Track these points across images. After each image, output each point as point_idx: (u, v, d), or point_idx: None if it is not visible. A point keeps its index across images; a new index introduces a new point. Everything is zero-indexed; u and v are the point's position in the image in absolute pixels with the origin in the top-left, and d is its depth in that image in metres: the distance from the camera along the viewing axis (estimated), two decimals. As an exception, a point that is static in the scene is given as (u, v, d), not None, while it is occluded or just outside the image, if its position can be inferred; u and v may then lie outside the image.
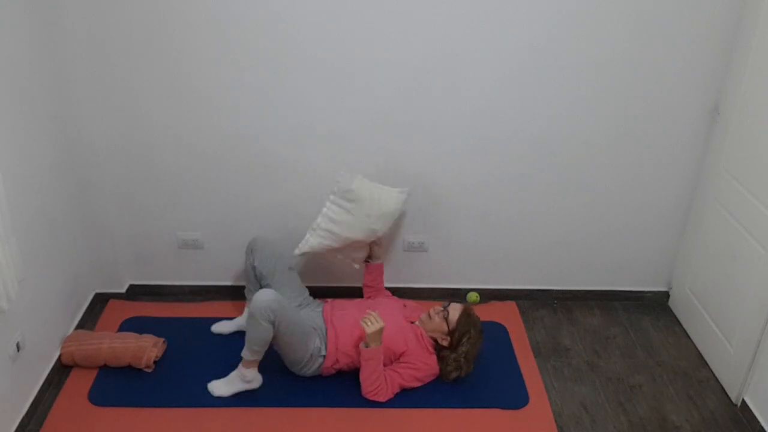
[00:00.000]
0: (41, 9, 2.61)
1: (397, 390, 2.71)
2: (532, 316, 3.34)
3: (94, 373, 2.80)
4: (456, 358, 2.75)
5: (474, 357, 2.79)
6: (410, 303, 3.08)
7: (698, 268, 3.14)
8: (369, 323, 2.60)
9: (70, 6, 2.64)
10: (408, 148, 3.01)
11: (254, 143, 2.98)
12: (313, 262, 3.24)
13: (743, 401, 2.76)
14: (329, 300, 2.99)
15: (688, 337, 3.22)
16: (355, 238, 2.86)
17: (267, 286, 2.89)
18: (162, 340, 2.90)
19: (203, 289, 3.36)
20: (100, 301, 3.28)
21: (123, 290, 3.33)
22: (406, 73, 2.84)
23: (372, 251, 3.07)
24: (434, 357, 2.78)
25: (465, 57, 2.82)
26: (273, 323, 2.53)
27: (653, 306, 3.45)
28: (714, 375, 2.97)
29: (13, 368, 2.48)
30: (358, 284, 3.26)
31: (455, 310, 2.78)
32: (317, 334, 2.72)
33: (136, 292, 3.36)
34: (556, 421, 2.67)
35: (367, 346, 2.64)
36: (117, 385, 2.74)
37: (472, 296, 3.38)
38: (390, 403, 2.68)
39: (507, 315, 3.30)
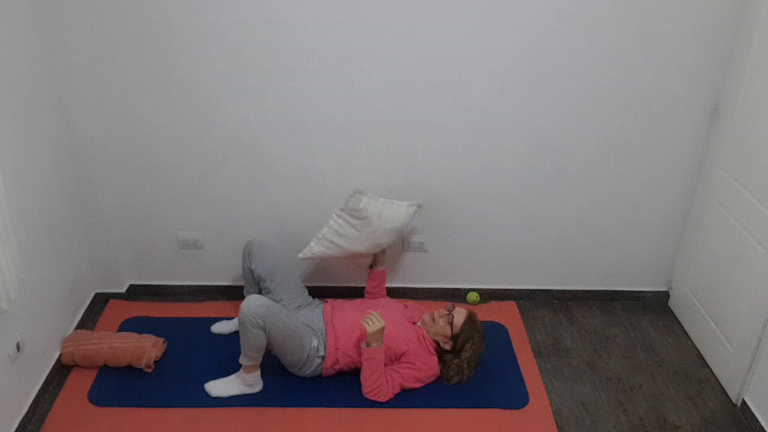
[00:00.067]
0: (41, 9, 2.61)
1: (397, 390, 2.71)
2: (532, 316, 3.34)
3: (94, 373, 2.80)
4: (459, 363, 2.76)
5: (476, 362, 2.80)
6: (411, 303, 3.09)
7: (698, 268, 3.14)
8: (370, 323, 2.60)
9: (70, 6, 2.64)
10: (408, 148, 3.01)
11: (254, 143, 2.98)
12: (313, 262, 3.24)
13: (743, 401, 2.76)
14: (330, 300, 2.99)
15: (688, 337, 3.22)
16: (359, 251, 2.90)
17: (265, 288, 2.89)
18: (162, 340, 2.90)
19: (203, 289, 3.36)
20: (100, 301, 3.28)
21: (123, 290, 3.33)
22: (407, 74, 2.84)
23: (375, 258, 3.09)
24: (435, 358, 2.78)
25: (465, 58, 2.82)
26: (264, 329, 2.52)
27: (653, 306, 3.45)
28: (714, 375, 2.97)
29: (13, 368, 2.48)
30: (359, 284, 3.26)
31: (460, 315, 2.78)
32: (314, 335, 2.72)
33: (136, 292, 3.36)
34: (556, 421, 2.67)
35: (368, 346, 2.64)
36: (117, 385, 2.74)
37: (472, 296, 3.38)
38: (390, 403, 2.68)
39: (507, 315, 3.30)
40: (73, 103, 2.83)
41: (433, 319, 2.80)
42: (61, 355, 2.83)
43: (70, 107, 2.83)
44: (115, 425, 2.56)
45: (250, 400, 2.69)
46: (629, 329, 3.27)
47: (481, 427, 2.62)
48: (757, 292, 2.65)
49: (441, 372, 2.79)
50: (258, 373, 2.70)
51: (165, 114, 2.90)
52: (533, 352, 3.06)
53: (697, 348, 3.14)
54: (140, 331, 2.97)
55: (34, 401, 2.62)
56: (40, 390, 2.67)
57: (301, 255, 2.89)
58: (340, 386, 2.76)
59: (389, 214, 2.86)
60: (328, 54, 2.79)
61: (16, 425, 2.50)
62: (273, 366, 2.77)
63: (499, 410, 2.70)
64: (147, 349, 2.79)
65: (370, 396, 2.67)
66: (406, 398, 2.71)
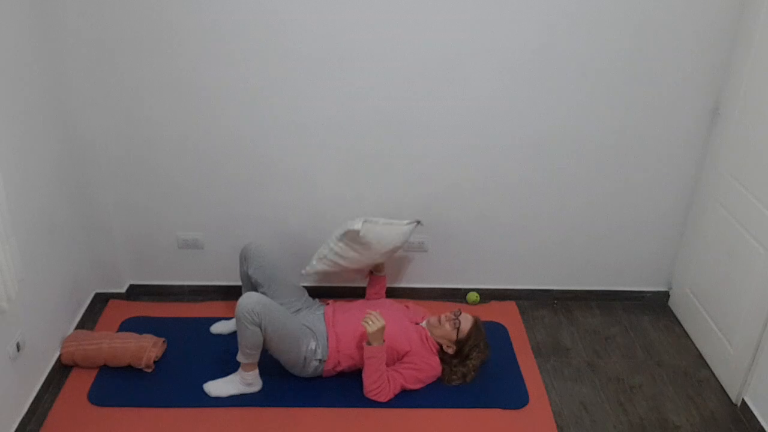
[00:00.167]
0: (41, 9, 2.61)
1: (397, 391, 2.71)
2: (532, 316, 3.34)
3: (94, 373, 2.80)
4: (464, 371, 2.77)
5: (479, 368, 2.81)
6: (412, 304, 3.08)
7: (698, 268, 3.14)
8: (370, 322, 2.60)
9: (71, 6, 2.64)
10: (408, 148, 3.01)
11: (254, 143, 2.98)
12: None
13: (743, 401, 2.76)
14: (330, 302, 2.99)
15: (688, 337, 3.22)
16: (360, 268, 2.99)
17: (264, 293, 2.88)
18: (162, 340, 2.90)
19: (203, 289, 3.36)
20: (100, 301, 3.28)
21: (123, 290, 3.33)
22: (407, 75, 2.84)
23: (376, 266, 3.10)
24: (437, 358, 2.78)
25: (465, 58, 2.82)
26: (259, 326, 2.53)
27: (653, 306, 3.45)
28: (714, 375, 2.97)
29: (13, 368, 2.48)
30: (360, 284, 3.26)
31: (467, 321, 2.78)
32: (312, 337, 2.71)
33: (136, 292, 3.36)
34: (556, 421, 2.67)
35: (369, 344, 2.64)
36: (117, 385, 2.74)
37: (472, 296, 3.38)
38: (390, 403, 2.68)
39: (507, 315, 3.30)
40: (73, 104, 2.83)
41: (439, 322, 2.79)
42: (61, 355, 2.83)
43: (70, 107, 2.83)
44: (115, 425, 2.56)
45: (250, 400, 2.69)
46: (629, 329, 3.27)
47: (481, 427, 2.62)
48: (757, 292, 2.65)
49: (442, 373, 2.79)
50: (256, 372, 2.70)
51: (165, 114, 2.90)
52: (533, 352, 3.06)
53: (697, 348, 3.14)
54: (140, 331, 2.97)
55: (34, 401, 2.62)
56: (40, 390, 2.67)
57: (303, 272, 2.96)
58: (340, 386, 2.76)
59: (389, 236, 2.89)
60: (328, 55, 2.79)
61: (16, 425, 2.49)
62: (272, 366, 2.77)
63: (499, 410, 2.70)
64: (147, 349, 2.79)
65: (371, 395, 2.67)
66: (406, 398, 2.71)
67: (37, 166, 2.65)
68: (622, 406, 2.78)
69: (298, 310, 2.90)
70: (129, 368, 2.81)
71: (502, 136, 3.01)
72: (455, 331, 2.76)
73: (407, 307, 3.01)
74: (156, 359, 2.83)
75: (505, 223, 3.24)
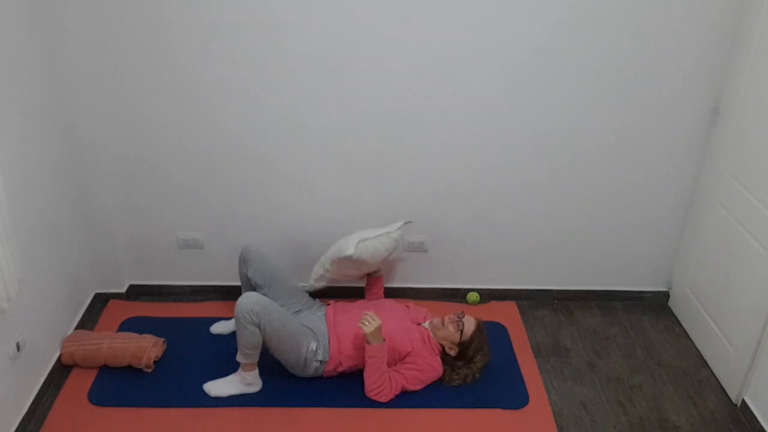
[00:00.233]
0: (41, 9, 2.61)
1: (398, 391, 2.70)
2: (532, 316, 3.34)
3: (94, 373, 2.80)
4: (467, 372, 2.77)
5: (481, 371, 2.82)
6: (413, 304, 3.08)
7: (698, 268, 3.14)
8: (366, 323, 2.60)
9: (71, 6, 2.64)
10: (408, 148, 3.01)
11: (254, 143, 2.98)
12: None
13: (743, 401, 2.76)
14: (332, 302, 2.99)
15: (688, 337, 3.22)
16: (358, 276, 3.05)
17: (264, 294, 2.87)
18: (162, 340, 2.90)
19: (203, 289, 3.36)
20: (100, 301, 3.28)
21: (123, 290, 3.33)
22: (407, 75, 2.84)
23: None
24: (438, 358, 2.78)
25: (465, 58, 2.82)
26: (258, 326, 2.53)
27: (653, 306, 3.45)
28: (714, 375, 2.97)
29: (13, 368, 2.48)
30: (359, 284, 3.26)
31: (470, 323, 2.79)
32: (313, 337, 2.71)
33: (136, 292, 3.36)
34: (556, 421, 2.67)
35: (368, 343, 2.64)
36: (117, 385, 2.74)
37: (472, 296, 3.38)
38: (390, 403, 2.68)
39: (507, 315, 3.30)
40: (73, 104, 2.83)
41: (442, 323, 2.79)
42: (61, 355, 2.83)
43: (70, 107, 2.83)
44: (115, 425, 2.56)
45: (250, 400, 2.69)
46: (629, 329, 3.27)
47: (481, 427, 2.62)
48: (757, 292, 2.65)
49: (443, 373, 2.79)
50: (256, 372, 2.70)
51: (165, 114, 2.90)
52: (533, 352, 3.06)
53: (697, 348, 3.14)
54: (140, 331, 2.97)
55: (34, 401, 2.62)
56: (40, 390, 2.67)
57: (301, 286, 3.01)
58: (340, 386, 2.76)
59: (382, 247, 2.91)
60: (328, 55, 2.79)
61: (16, 425, 2.49)
62: (272, 366, 2.77)
63: (499, 410, 2.70)
64: (147, 349, 2.79)
65: (372, 395, 2.67)
66: (406, 398, 2.71)
67: (37, 166, 2.65)
68: (622, 406, 2.78)
69: (299, 310, 2.90)
70: (129, 368, 2.81)
71: (502, 136, 3.01)
72: (458, 333, 2.76)
73: (408, 307, 3.01)
74: (156, 359, 2.83)
75: (505, 223, 3.24)
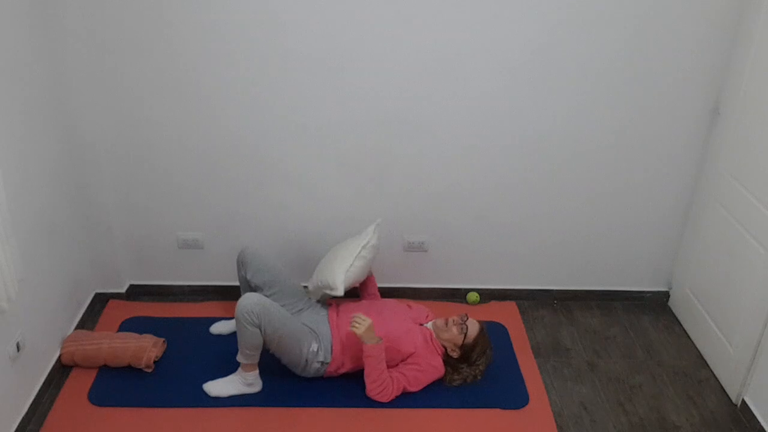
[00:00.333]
0: (41, 9, 2.61)
1: (400, 392, 2.70)
2: (532, 316, 3.34)
3: (94, 373, 2.80)
4: (469, 373, 2.78)
5: (483, 373, 2.82)
6: (414, 304, 3.08)
7: (698, 268, 3.14)
8: (357, 325, 2.60)
9: (71, 6, 2.64)
10: (408, 148, 3.01)
11: (254, 143, 2.98)
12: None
13: (743, 401, 2.76)
14: (334, 303, 2.98)
15: (688, 337, 3.22)
16: None
17: (264, 295, 2.86)
18: (162, 340, 2.90)
19: (203, 289, 3.36)
20: (100, 301, 3.28)
21: (123, 290, 3.33)
22: (407, 75, 2.84)
23: None
24: (440, 360, 2.78)
25: (465, 58, 2.82)
26: (259, 326, 2.52)
27: (653, 306, 3.45)
28: (714, 375, 2.97)
29: (13, 368, 2.48)
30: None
31: (474, 326, 2.79)
32: (314, 338, 2.71)
33: (136, 292, 3.36)
34: (556, 421, 2.67)
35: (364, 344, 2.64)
36: (117, 385, 2.74)
37: (472, 296, 3.38)
38: (390, 403, 2.68)
39: (507, 315, 3.30)
40: (73, 104, 2.83)
41: (446, 324, 2.79)
42: (61, 355, 2.83)
43: (70, 107, 2.83)
44: (115, 425, 2.56)
45: (250, 400, 2.69)
46: (629, 329, 3.27)
47: (481, 427, 2.62)
48: (757, 292, 2.65)
49: (445, 373, 2.79)
50: (257, 372, 2.69)
51: (165, 114, 2.90)
52: (533, 352, 3.06)
53: (697, 348, 3.14)
54: (140, 331, 2.97)
55: (34, 401, 2.62)
56: (40, 390, 2.67)
57: (306, 291, 3.01)
58: (340, 386, 2.76)
59: (365, 263, 2.90)
60: (328, 55, 2.79)
61: (16, 425, 2.49)
62: (273, 366, 2.77)
63: (499, 410, 2.70)
64: (147, 349, 2.79)
65: (373, 395, 2.66)
66: (406, 398, 2.71)
67: (37, 166, 2.65)
68: (622, 406, 2.78)
69: (300, 309, 2.89)
70: (129, 368, 2.81)
71: (501, 136, 3.01)
72: (462, 336, 2.76)
73: (409, 306, 3.00)
74: (156, 359, 2.83)
75: (505, 223, 3.23)
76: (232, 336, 3.00)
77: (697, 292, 3.16)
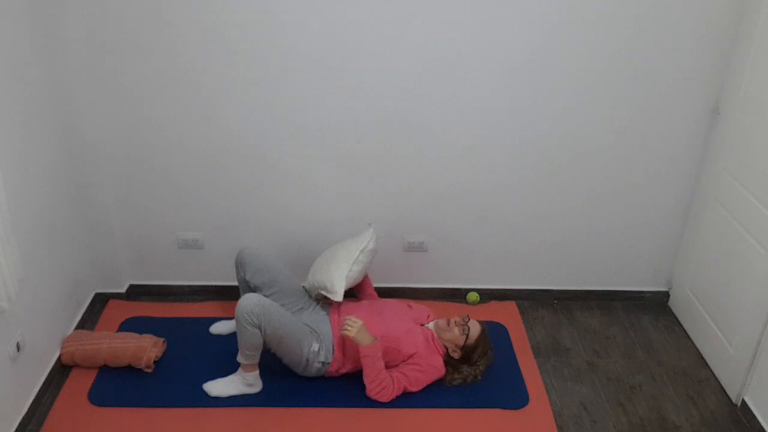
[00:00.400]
0: (41, 9, 2.61)
1: (400, 392, 2.70)
2: (532, 316, 3.34)
3: (94, 373, 2.80)
4: (469, 372, 2.78)
5: (483, 373, 2.83)
6: (415, 304, 3.07)
7: (698, 268, 3.14)
8: (349, 328, 2.61)
9: (71, 6, 2.64)
10: (408, 148, 3.01)
11: (254, 143, 2.98)
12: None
13: (743, 401, 2.76)
14: (335, 303, 2.97)
15: (688, 337, 3.22)
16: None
17: (264, 295, 2.86)
18: (162, 340, 2.90)
19: (203, 289, 3.36)
20: (100, 301, 3.28)
21: (123, 290, 3.33)
22: (407, 75, 2.84)
23: None
24: (441, 360, 2.78)
25: (465, 58, 2.82)
26: (259, 327, 2.52)
27: (653, 306, 3.45)
28: (714, 375, 2.97)
29: (13, 368, 2.48)
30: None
31: (475, 327, 2.79)
32: (315, 338, 2.71)
33: (136, 292, 3.36)
34: (556, 421, 2.67)
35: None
36: (117, 385, 2.74)
37: (472, 296, 3.38)
38: (390, 403, 2.68)
39: (507, 315, 3.30)
40: (73, 104, 2.83)
41: (448, 325, 2.79)
42: (61, 355, 2.83)
43: (70, 108, 2.83)
44: (115, 425, 2.56)
45: (250, 400, 2.69)
46: (629, 329, 3.27)
47: (481, 427, 2.62)
48: (757, 292, 2.65)
49: (446, 377, 2.79)
50: (257, 372, 2.69)
51: (165, 114, 2.90)
52: (533, 352, 3.06)
53: (697, 348, 3.14)
54: (140, 331, 2.97)
55: (34, 401, 2.62)
56: (40, 390, 2.67)
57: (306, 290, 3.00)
58: (341, 386, 2.76)
59: (362, 267, 2.92)
60: (328, 55, 2.79)
61: (16, 425, 2.49)
62: (273, 366, 2.77)
63: (499, 410, 2.70)
64: (147, 349, 2.79)
65: (373, 395, 2.66)
66: (406, 398, 2.71)
67: (37, 166, 2.65)
68: (622, 406, 2.78)
69: (301, 309, 2.89)
70: (129, 368, 2.81)
71: (501, 136, 3.01)
72: (464, 337, 2.76)
73: (410, 306, 3.00)
74: (156, 359, 2.83)
75: (505, 223, 3.24)
76: (232, 336, 3.00)
77: (697, 292, 3.16)
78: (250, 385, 2.69)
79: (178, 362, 2.87)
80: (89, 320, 3.16)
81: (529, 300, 3.45)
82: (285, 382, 2.77)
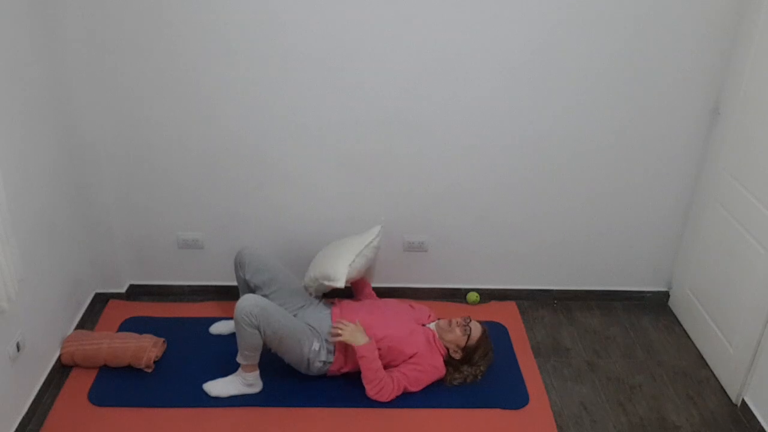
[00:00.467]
0: (41, 9, 2.61)
1: (400, 392, 2.70)
2: (532, 316, 3.34)
3: (94, 373, 2.80)
4: (470, 372, 2.78)
5: (484, 373, 2.83)
6: (416, 304, 3.07)
7: (698, 268, 3.14)
8: (340, 331, 2.64)
9: (71, 6, 2.64)
10: (408, 148, 3.01)
11: (254, 143, 2.98)
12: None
13: (743, 401, 2.76)
14: (337, 301, 2.97)
15: (688, 337, 3.22)
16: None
17: (263, 296, 2.85)
18: (162, 340, 2.90)
19: (203, 289, 3.36)
20: (100, 301, 3.28)
21: (123, 290, 3.33)
22: (407, 75, 2.84)
23: None
24: (442, 361, 2.78)
25: (465, 58, 2.82)
26: (258, 328, 2.52)
27: (653, 306, 3.45)
28: (714, 375, 2.97)
29: (13, 368, 2.48)
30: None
31: (477, 328, 2.80)
32: (316, 337, 2.70)
33: (136, 292, 3.36)
34: (556, 421, 2.67)
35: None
36: (117, 385, 2.74)
37: (472, 296, 3.38)
38: (390, 403, 2.68)
39: (507, 315, 3.30)
40: (73, 104, 2.83)
41: (449, 325, 2.80)
42: (61, 355, 2.83)
43: (70, 108, 2.83)
44: (115, 425, 2.56)
45: (250, 400, 2.69)
46: (629, 329, 3.27)
47: (481, 427, 2.62)
48: (757, 292, 2.65)
49: (446, 376, 2.79)
50: (257, 372, 2.69)
51: (165, 114, 2.90)
52: (533, 352, 3.06)
53: (697, 348, 3.14)
54: (140, 331, 2.97)
55: (34, 401, 2.62)
56: (40, 390, 2.67)
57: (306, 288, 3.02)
58: (341, 386, 2.76)
59: (366, 261, 2.94)
60: (328, 55, 2.79)
61: (16, 425, 2.49)
62: (273, 366, 2.77)
63: (499, 410, 2.70)
64: (147, 349, 2.79)
65: (373, 396, 2.66)
66: (406, 398, 2.71)
67: (37, 166, 2.65)
68: (622, 406, 2.78)
69: (302, 307, 2.88)
70: (129, 368, 2.81)
71: (501, 136, 3.01)
72: (465, 338, 2.76)
73: (412, 307, 3.00)
74: (156, 359, 2.83)
75: (505, 223, 3.24)
76: (232, 336, 3.00)
77: (697, 292, 3.16)
78: (250, 385, 2.69)
79: (178, 362, 2.87)
80: (89, 320, 3.16)
81: (529, 300, 3.45)
82: (285, 382, 2.77)
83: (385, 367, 2.72)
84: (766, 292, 2.60)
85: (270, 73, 2.82)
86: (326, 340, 2.72)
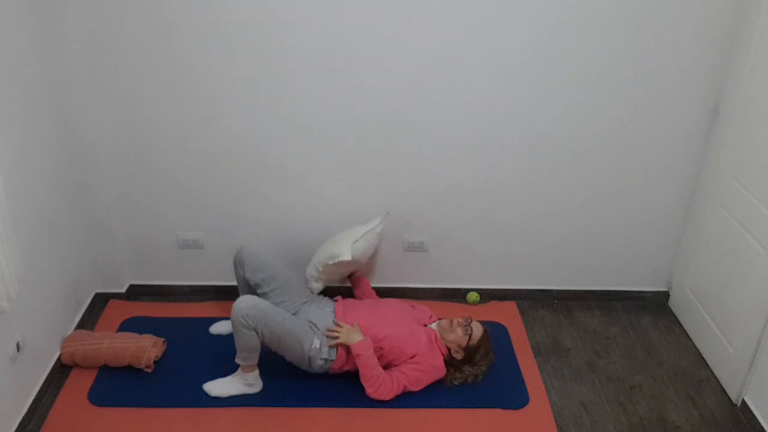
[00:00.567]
0: (41, 9, 2.61)
1: (400, 391, 2.70)
2: (532, 316, 3.34)
3: (94, 373, 2.80)
4: (470, 372, 2.78)
5: (484, 374, 2.83)
6: (417, 304, 3.07)
7: (698, 268, 3.14)
8: (335, 335, 2.65)
9: (71, 6, 2.64)
10: (408, 148, 3.01)
11: (254, 143, 2.98)
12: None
13: (743, 401, 2.76)
14: (340, 299, 2.97)
15: (688, 337, 3.22)
16: (343, 276, 3.19)
17: (264, 294, 2.85)
18: (162, 340, 2.90)
19: (203, 289, 3.36)
20: (100, 301, 3.28)
21: (123, 290, 3.33)
22: (406, 75, 2.84)
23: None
24: (442, 360, 2.78)
25: (465, 58, 2.82)
26: (255, 329, 2.52)
27: (653, 306, 3.45)
28: (714, 375, 2.97)
29: (13, 368, 2.48)
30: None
31: (478, 328, 2.80)
32: (316, 335, 2.70)
33: (136, 292, 3.36)
34: (556, 421, 2.67)
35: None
36: (117, 385, 2.74)
37: (472, 296, 3.38)
38: (390, 403, 2.68)
39: (507, 315, 3.30)
40: (73, 104, 2.83)
41: (451, 325, 2.80)
42: (61, 355, 2.83)
43: (70, 108, 2.83)
44: (115, 425, 2.56)
45: (250, 400, 2.69)
46: (629, 329, 3.27)
47: (481, 427, 2.62)
48: (757, 292, 2.65)
49: (447, 376, 2.79)
50: (257, 372, 2.69)
51: (165, 114, 2.90)
52: (533, 352, 3.06)
53: (697, 348, 3.14)
54: (140, 331, 2.97)
55: (34, 401, 2.62)
56: (40, 390, 2.67)
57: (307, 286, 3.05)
58: (341, 386, 2.76)
59: (369, 245, 2.99)
60: (328, 54, 2.79)
61: (16, 425, 2.49)
62: (273, 366, 2.77)
63: (499, 410, 2.70)
64: (147, 349, 2.79)
65: (374, 395, 2.66)
66: (406, 398, 2.71)
67: (37, 166, 2.65)
68: (622, 406, 2.78)
69: (305, 303, 2.87)
70: (129, 368, 2.81)
71: (501, 136, 3.01)
72: (467, 338, 2.76)
73: (413, 306, 3.00)
74: (156, 359, 2.83)
75: (505, 223, 3.24)
76: (232, 336, 3.00)
77: (697, 292, 3.16)
78: (250, 385, 2.69)
79: (178, 362, 2.87)
80: (89, 320, 3.16)
81: (529, 300, 3.45)
82: (285, 382, 2.77)
83: (386, 366, 2.72)
84: (766, 292, 2.60)
85: (270, 73, 2.82)
86: (327, 338, 2.72)
